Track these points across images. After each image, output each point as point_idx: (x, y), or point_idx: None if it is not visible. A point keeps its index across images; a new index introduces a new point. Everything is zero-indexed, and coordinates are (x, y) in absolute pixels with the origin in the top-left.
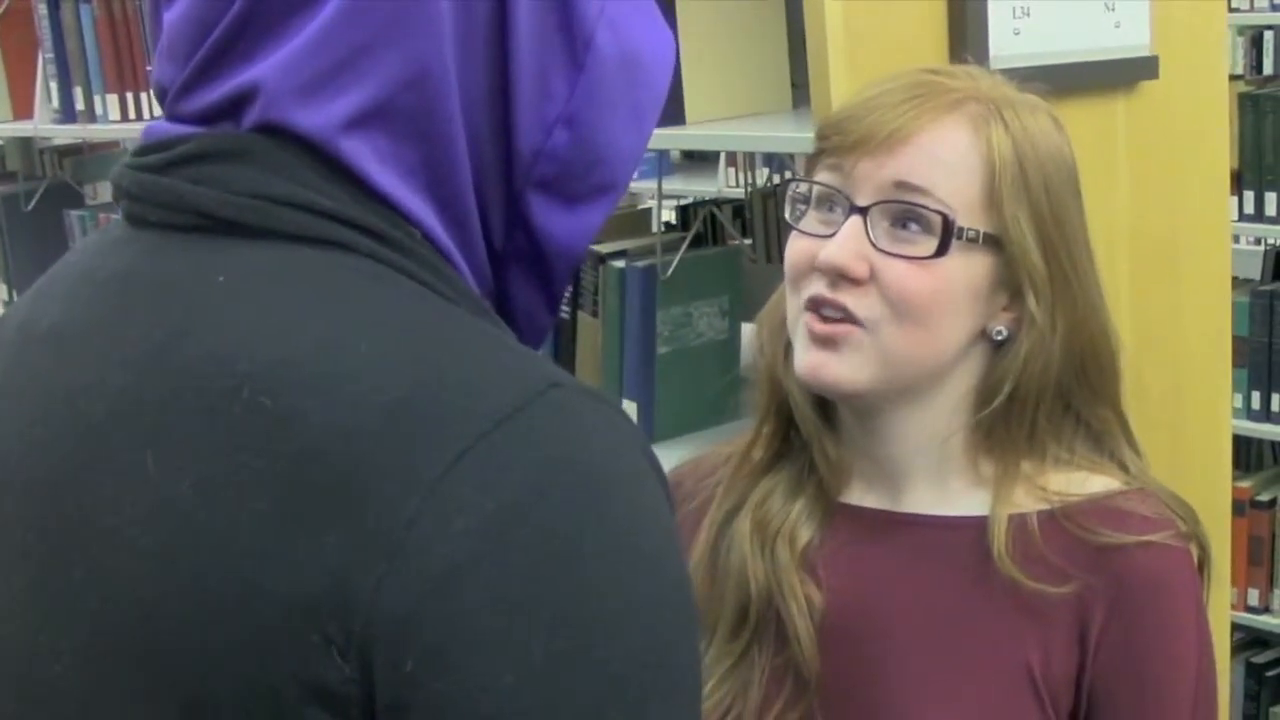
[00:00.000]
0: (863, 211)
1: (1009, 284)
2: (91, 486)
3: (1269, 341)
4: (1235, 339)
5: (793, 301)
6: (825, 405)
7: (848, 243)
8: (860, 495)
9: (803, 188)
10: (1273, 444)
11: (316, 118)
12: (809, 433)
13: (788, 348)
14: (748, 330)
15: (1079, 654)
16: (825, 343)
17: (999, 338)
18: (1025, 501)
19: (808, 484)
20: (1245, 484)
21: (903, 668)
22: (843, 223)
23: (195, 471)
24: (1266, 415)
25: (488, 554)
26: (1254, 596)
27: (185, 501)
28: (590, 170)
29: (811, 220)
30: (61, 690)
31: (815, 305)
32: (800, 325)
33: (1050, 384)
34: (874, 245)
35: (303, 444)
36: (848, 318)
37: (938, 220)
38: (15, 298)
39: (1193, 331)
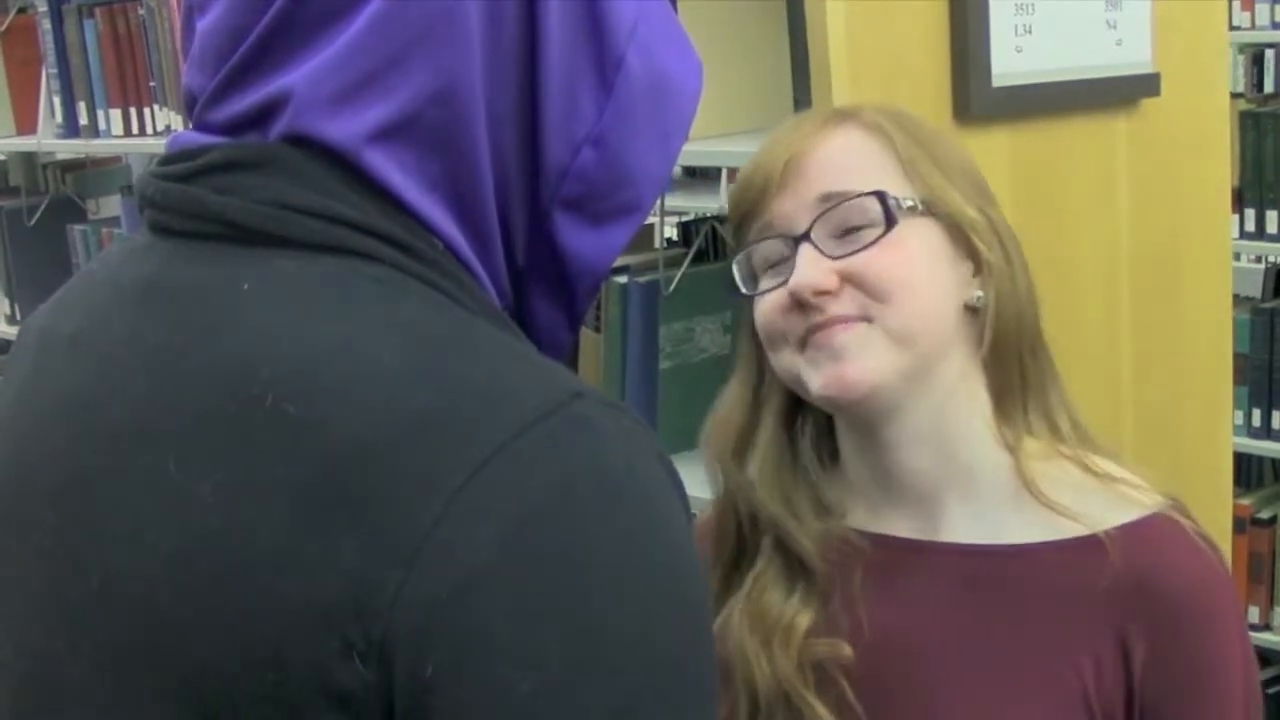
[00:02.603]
0: (805, 237)
1: (965, 249)
2: (111, 491)
3: (1270, 359)
4: (1236, 356)
5: (782, 357)
6: (810, 458)
7: (808, 266)
8: (891, 524)
9: (752, 256)
10: (1273, 461)
11: (343, 129)
12: (773, 521)
13: (736, 444)
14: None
15: (1125, 675)
16: (832, 354)
17: (979, 304)
18: (1067, 525)
19: (795, 566)
20: (1246, 501)
21: (951, 696)
22: (793, 260)
23: (216, 477)
24: (1267, 433)
25: (506, 562)
26: (1254, 614)
27: (205, 506)
28: (615, 190)
29: (767, 280)
30: (79, 694)
31: (809, 333)
32: (799, 362)
33: (1028, 326)
34: (831, 258)
35: (324, 451)
36: (839, 321)
37: (873, 203)
38: (18, 312)
39: (1194, 349)
